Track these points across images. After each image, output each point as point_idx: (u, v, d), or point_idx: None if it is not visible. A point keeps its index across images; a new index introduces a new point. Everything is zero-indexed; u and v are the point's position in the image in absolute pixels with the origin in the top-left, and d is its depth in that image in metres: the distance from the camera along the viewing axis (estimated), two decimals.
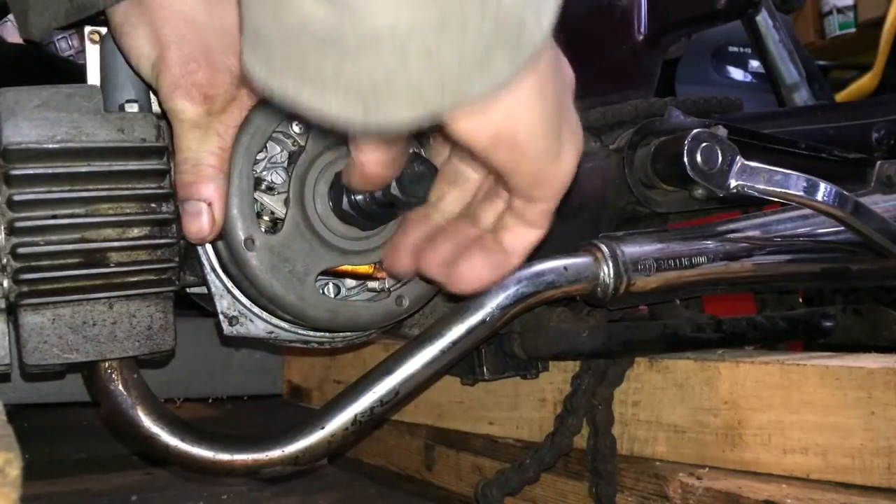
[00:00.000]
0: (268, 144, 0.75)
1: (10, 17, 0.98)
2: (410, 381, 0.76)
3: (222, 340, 1.00)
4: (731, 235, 0.92)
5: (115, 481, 1.31)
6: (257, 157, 0.74)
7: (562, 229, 0.93)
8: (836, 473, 0.80)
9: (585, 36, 1.01)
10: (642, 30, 1.04)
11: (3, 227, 0.67)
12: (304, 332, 0.80)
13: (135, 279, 0.71)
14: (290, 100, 0.47)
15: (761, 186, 0.86)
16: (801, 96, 1.43)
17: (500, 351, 0.93)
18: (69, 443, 1.55)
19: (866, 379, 0.78)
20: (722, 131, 0.87)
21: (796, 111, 1.34)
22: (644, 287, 0.85)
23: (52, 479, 1.30)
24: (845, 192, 0.89)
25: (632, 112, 0.96)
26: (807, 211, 0.94)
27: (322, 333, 0.81)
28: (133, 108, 0.72)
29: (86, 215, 0.69)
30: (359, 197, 0.73)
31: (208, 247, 0.75)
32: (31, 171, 0.67)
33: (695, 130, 0.86)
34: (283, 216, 0.75)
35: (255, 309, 0.77)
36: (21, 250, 0.67)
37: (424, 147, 0.76)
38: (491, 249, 0.65)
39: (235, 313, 0.77)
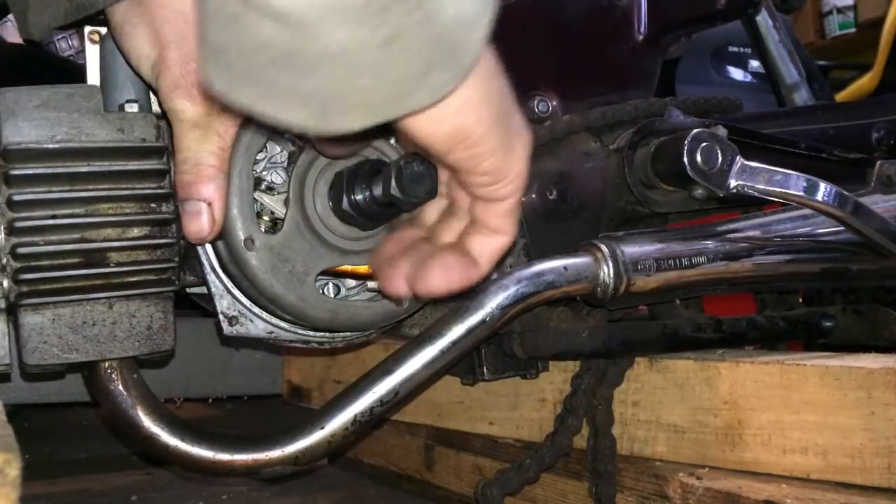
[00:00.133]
0: (268, 144, 0.75)
1: (10, 17, 0.98)
2: (410, 381, 0.76)
3: (222, 340, 1.00)
4: (731, 235, 0.92)
5: (115, 481, 1.31)
6: (257, 157, 0.74)
7: (562, 229, 0.94)
8: (836, 473, 0.80)
9: (585, 36, 1.01)
10: (642, 30, 1.04)
11: (3, 227, 0.67)
12: (304, 332, 0.80)
13: (135, 279, 0.71)
14: (248, 110, 0.51)
15: (761, 186, 0.86)
16: (801, 96, 1.43)
17: (500, 351, 0.93)
18: (69, 443, 1.55)
19: (866, 379, 0.78)
20: (722, 131, 0.87)
21: (796, 111, 1.34)
22: (644, 287, 0.85)
23: (52, 479, 1.30)
24: (845, 192, 0.89)
25: (632, 112, 0.96)
26: (807, 211, 0.94)
27: (322, 333, 0.81)
28: (133, 108, 0.72)
29: (86, 215, 0.69)
30: (359, 197, 0.73)
31: (208, 247, 0.75)
32: (30, 171, 0.67)
33: (695, 130, 0.86)
34: (283, 216, 0.75)
35: (255, 309, 0.77)
36: (21, 250, 0.67)
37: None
38: (453, 259, 0.66)
39: (235, 313, 0.77)
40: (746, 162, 0.86)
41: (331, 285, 0.80)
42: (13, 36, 1.17)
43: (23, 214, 0.67)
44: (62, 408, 1.47)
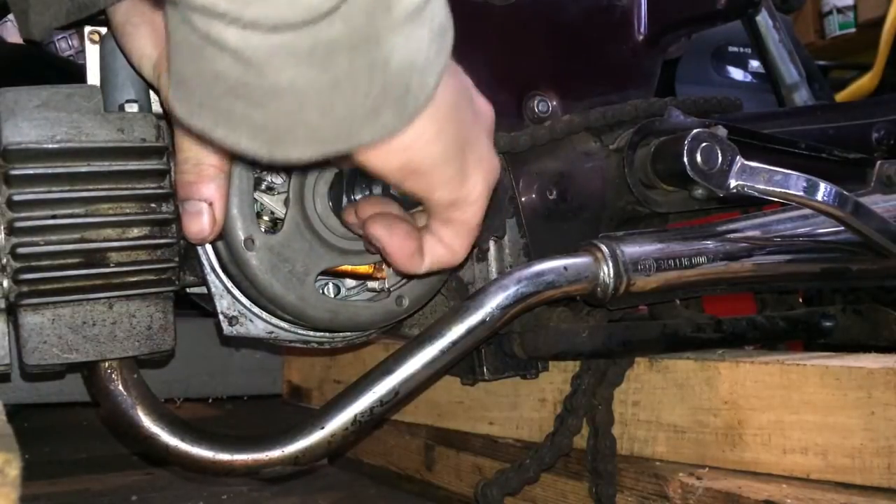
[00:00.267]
0: None
1: (11, 17, 0.98)
2: (410, 381, 0.76)
3: (222, 340, 1.00)
4: (731, 235, 0.92)
5: (115, 481, 1.31)
6: None
7: (562, 229, 0.94)
8: (836, 473, 0.80)
9: (585, 36, 1.01)
10: (642, 30, 1.04)
11: (2, 227, 0.67)
12: (304, 332, 0.80)
13: (135, 279, 0.71)
14: (207, 135, 0.54)
15: (761, 186, 0.86)
16: (801, 96, 1.43)
17: (500, 351, 0.93)
18: (69, 443, 1.55)
19: (866, 379, 0.78)
20: (722, 131, 0.87)
21: (796, 111, 1.34)
22: (644, 287, 0.85)
23: (52, 479, 1.30)
24: (845, 192, 0.89)
25: (632, 112, 0.96)
26: (807, 211, 0.94)
27: (322, 333, 0.81)
28: (133, 108, 0.72)
29: (86, 215, 0.69)
30: (358, 197, 0.73)
31: (208, 247, 0.75)
32: (30, 171, 0.67)
33: (695, 130, 0.86)
34: (283, 216, 0.75)
35: (255, 309, 0.77)
36: (21, 250, 0.67)
37: None
38: (408, 239, 0.68)
39: (235, 313, 0.77)
40: (746, 162, 0.86)
41: (331, 285, 0.80)
42: (13, 36, 1.17)
43: (23, 214, 0.67)
44: (62, 408, 1.47)
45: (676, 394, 0.91)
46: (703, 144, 0.85)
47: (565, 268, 0.82)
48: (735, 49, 1.79)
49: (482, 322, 0.78)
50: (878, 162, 1.06)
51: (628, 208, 0.95)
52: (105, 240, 0.69)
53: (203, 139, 0.65)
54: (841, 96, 2.35)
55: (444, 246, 0.68)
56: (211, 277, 0.76)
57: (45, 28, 0.70)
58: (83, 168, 0.68)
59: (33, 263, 0.67)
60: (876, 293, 1.10)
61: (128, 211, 0.70)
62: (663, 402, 0.92)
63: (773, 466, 0.83)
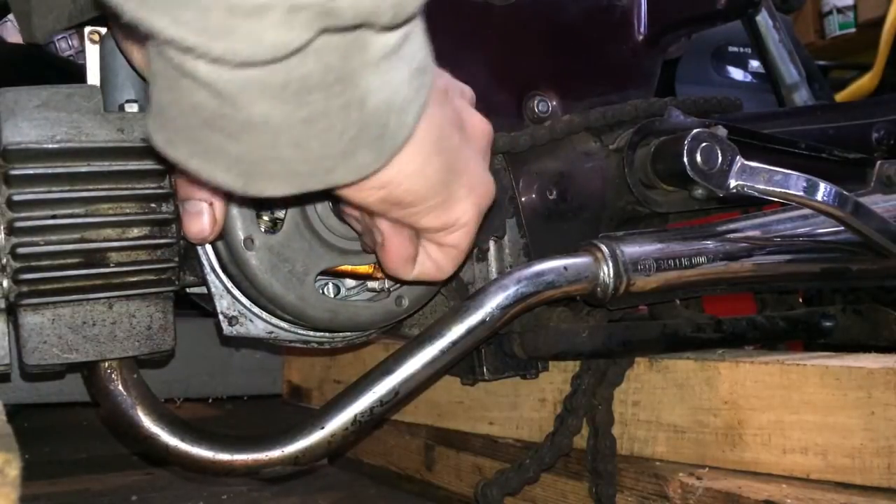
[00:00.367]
0: None
1: (10, 16, 0.98)
2: (410, 381, 0.76)
3: (222, 340, 1.00)
4: (731, 235, 0.92)
5: (115, 481, 1.31)
6: None
7: (562, 229, 0.94)
8: (836, 473, 0.80)
9: (585, 36, 1.01)
10: (642, 30, 1.04)
11: (2, 227, 0.67)
12: (304, 332, 0.80)
13: (135, 279, 0.71)
14: (182, 165, 0.54)
15: (761, 186, 0.86)
16: (801, 96, 1.43)
17: (500, 351, 0.93)
18: (69, 443, 1.55)
19: (866, 379, 0.78)
20: (722, 131, 0.87)
21: (796, 111, 1.34)
22: (644, 287, 0.85)
23: (52, 479, 1.30)
24: (845, 192, 0.89)
25: (632, 112, 0.96)
26: (807, 211, 0.94)
27: (322, 333, 0.81)
28: (133, 107, 0.72)
29: (86, 215, 0.69)
30: None
31: (208, 247, 0.75)
32: (30, 171, 0.67)
33: (695, 130, 0.86)
34: (283, 216, 0.75)
35: (255, 309, 0.77)
36: (21, 250, 0.67)
37: None
38: (402, 247, 0.67)
39: (235, 313, 0.77)
40: (746, 162, 0.86)
41: (330, 285, 0.80)
42: (13, 36, 1.17)
43: (23, 214, 0.67)
44: (62, 408, 1.47)
45: (676, 394, 0.91)
46: (703, 144, 0.85)
47: (565, 268, 0.82)
48: (735, 49, 1.79)
49: (482, 322, 0.78)
50: (878, 162, 1.06)
51: (628, 208, 0.95)
52: (105, 240, 0.69)
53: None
54: (841, 96, 2.35)
55: (433, 262, 0.69)
56: (211, 277, 0.76)
57: (48, 31, 0.70)
58: (83, 168, 0.68)
59: (33, 263, 0.67)
60: (876, 293, 1.10)
61: (128, 211, 0.70)
62: (663, 402, 0.92)
63: (773, 466, 0.83)
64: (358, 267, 0.78)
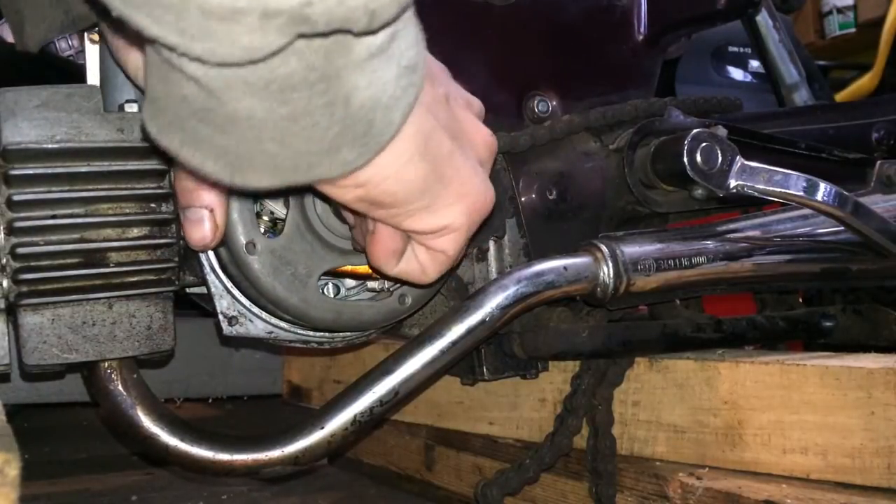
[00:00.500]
0: None
1: None
2: (410, 381, 0.76)
3: (222, 340, 1.00)
4: (731, 235, 0.92)
5: (115, 481, 1.31)
6: None
7: (562, 229, 0.94)
8: (836, 473, 0.80)
9: (585, 36, 1.01)
10: (642, 30, 1.04)
11: (2, 227, 0.67)
12: (304, 332, 0.80)
13: (134, 279, 0.71)
14: (173, 153, 0.55)
15: (761, 186, 0.86)
16: (801, 96, 1.43)
17: (499, 351, 0.93)
18: (69, 443, 1.55)
19: (866, 379, 0.78)
20: (722, 131, 0.87)
21: (796, 111, 1.34)
22: (644, 287, 0.85)
23: (52, 479, 1.30)
24: (845, 192, 0.89)
25: (632, 112, 0.96)
26: (807, 211, 0.94)
27: (322, 333, 0.81)
28: (133, 107, 0.72)
29: (85, 215, 0.69)
30: None
31: None
32: (30, 171, 0.67)
33: (695, 130, 0.86)
34: (283, 216, 0.75)
35: (255, 309, 0.77)
36: (20, 250, 0.67)
37: None
38: (390, 242, 0.67)
39: (235, 313, 0.77)
40: (746, 162, 0.86)
41: (330, 285, 0.80)
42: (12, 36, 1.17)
43: (23, 214, 0.67)
44: (62, 408, 1.47)
45: (676, 394, 0.91)
46: (703, 144, 0.85)
47: (565, 268, 0.82)
48: (735, 49, 1.79)
49: (482, 322, 0.78)
50: (878, 162, 1.06)
51: (628, 208, 0.95)
52: (105, 240, 0.69)
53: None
54: (841, 96, 2.35)
55: (419, 263, 0.68)
56: (211, 277, 0.76)
57: (40, 40, 0.70)
58: (83, 168, 0.68)
59: (33, 263, 0.67)
60: (876, 293, 1.10)
61: (127, 211, 0.70)
62: (663, 402, 0.92)
63: (773, 466, 0.83)
64: (358, 267, 0.78)
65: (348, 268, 0.78)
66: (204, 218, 0.68)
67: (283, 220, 0.75)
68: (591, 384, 0.92)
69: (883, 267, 0.98)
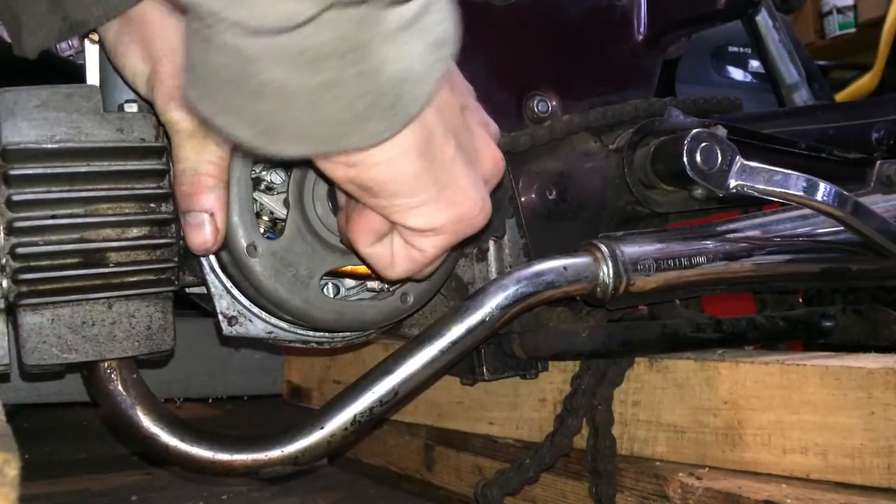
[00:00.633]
0: None
1: None
2: (410, 381, 0.76)
3: (222, 340, 1.00)
4: (731, 235, 0.92)
5: (115, 481, 1.31)
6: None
7: (562, 229, 0.94)
8: (836, 473, 0.80)
9: (585, 36, 1.01)
10: (642, 30, 1.04)
11: (2, 227, 0.67)
12: (304, 332, 0.80)
13: (134, 279, 0.71)
14: (212, 123, 0.56)
15: (761, 186, 0.86)
16: (801, 96, 1.43)
17: (499, 351, 0.93)
18: (69, 443, 1.55)
19: (866, 379, 0.78)
20: (722, 131, 0.87)
21: (796, 111, 1.34)
22: (644, 287, 0.85)
23: (51, 479, 1.30)
24: (845, 192, 0.89)
25: (632, 112, 0.96)
26: (807, 211, 0.94)
27: (322, 333, 0.81)
28: (132, 107, 0.72)
29: (85, 215, 0.69)
30: None
31: None
32: (30, 171, 0.67)
33: (694, 130, 0.86)
34: (283, 216, 0.75)
35: (255, 309, 0.77)
36: (20, 250, 0.67)
37: None
38: (383, 222, 0.66)
39: (235, 313, 0.77)
40: (746, 162, 0.86)
41: (330, 286, 0.80)
42: None
43: (22, 214, 0.67)
44: (62, 408, 1.47)
45: (676, 394, 0.91)
46: (703, 144, 0.85)
47: (565, 268, 0.82)
48: (735, 49, 1.79)
49: (482, 322, 0.78)
50: (878, 162, 1.06)
51: (628, 208, 0.95)
52: (104, 240, 0.69)
53: (205, 137, 0.66)
54: (841, 96, 2.35)
55: (391, 252, 0.67)
56: (210, 277, 0.76)
57: (37, 47, 0.70)
58: (83, 168, 0.68)
59: (33, 263, 0.67)
60: (876, 293, 1.10)
61: (127, 211, 0.70)
62: (663, 402, 0.92)
63: (773, 466, 0.83)
64: (359, 267, 0.78)
65: (349, 268, 0.78)
66: (205, 222, 0.68)
67: (283, 221, 0.75)
68: (591, 384, 0.92)
69: (883, 267, 0.98)
